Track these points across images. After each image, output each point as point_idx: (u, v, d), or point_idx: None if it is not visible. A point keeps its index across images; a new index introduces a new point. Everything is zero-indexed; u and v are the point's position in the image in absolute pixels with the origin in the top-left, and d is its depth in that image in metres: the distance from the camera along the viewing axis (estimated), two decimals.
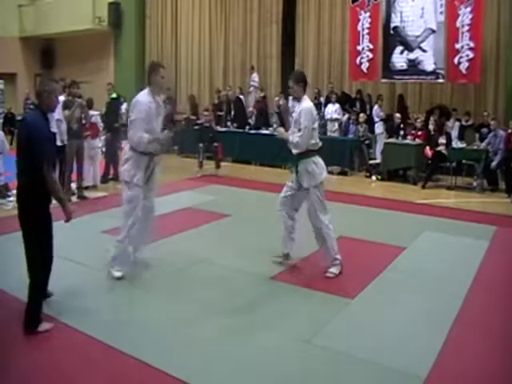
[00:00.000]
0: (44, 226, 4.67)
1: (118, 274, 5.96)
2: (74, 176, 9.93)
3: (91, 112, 10.86)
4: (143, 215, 6.05)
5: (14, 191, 9.90)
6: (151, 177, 6.12)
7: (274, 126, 6.50)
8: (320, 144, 6.25)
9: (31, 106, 4.61)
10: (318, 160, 6.25)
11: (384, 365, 4.18)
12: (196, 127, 14.56)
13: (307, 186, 6.24)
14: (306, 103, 6.11)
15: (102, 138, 12.01)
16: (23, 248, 4.66)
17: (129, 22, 20.97)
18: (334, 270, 6.17)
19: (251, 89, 17.28)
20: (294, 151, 6.14)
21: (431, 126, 12.62)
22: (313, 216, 6.32)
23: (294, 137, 6.08)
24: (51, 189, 4.56)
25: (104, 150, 12.00)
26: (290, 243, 6.59)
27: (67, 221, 4.73)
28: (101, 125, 11.50)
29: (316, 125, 6.13)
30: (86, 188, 10.46)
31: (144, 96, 5.93)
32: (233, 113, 17.01)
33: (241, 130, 15.81)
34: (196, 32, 19.78)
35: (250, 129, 15.87)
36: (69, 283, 5.57)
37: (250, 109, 16.68)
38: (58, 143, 9.82)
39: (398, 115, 13.57)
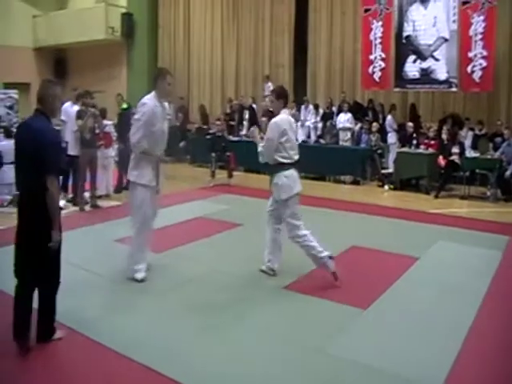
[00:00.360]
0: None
1: (139, 275, 6.03)
2: (87, 185, 9.98)
3: (105, 121, 10.92)
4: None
5: None
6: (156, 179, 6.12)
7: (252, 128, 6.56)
8: (296, 157, 6.18)
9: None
10: (291, 173, 6.14)
11: (398, 374, 4.14)
12: (208, 137, 14.59)
13: (277, 199, 6.19)
14: (278, 117, 6.12)
15: (115, 147, 12.05)
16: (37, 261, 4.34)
17: (141, 32, 21.09)
18: (330, 266, 6.16)
19: (266, 99, 17.23)
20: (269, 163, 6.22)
21: (444, 136, 12.56)
22: (287, 230, 6.27)
23: (260, 145, 6.28)
24: (53, 199, 4.25)
25: (117, 159, 12.03)
26: (278, 257, 6.56)
27: (52, 244, 4.28)
28: (114, 134, 11.55)
29: (285, 139, 6.04)
30: (99, 197, 10.50)
31: (150, 99, 6.02)
32: (245, 123, 17.03)
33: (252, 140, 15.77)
34: (208, 41, 19.86)
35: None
36: (80, 291, 5.56)
37: (264, 119, 16.64)
38: (72, 153, 9.92)
39: (410, 124, 13.54)
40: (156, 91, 6.08)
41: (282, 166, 6.12)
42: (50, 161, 4.23)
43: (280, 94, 6.22)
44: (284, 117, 6.13)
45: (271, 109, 6.49)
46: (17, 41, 22.16)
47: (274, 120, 6.13)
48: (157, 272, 6.48)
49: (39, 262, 4.32)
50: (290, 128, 6.14)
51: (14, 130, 16.47)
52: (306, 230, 6.27)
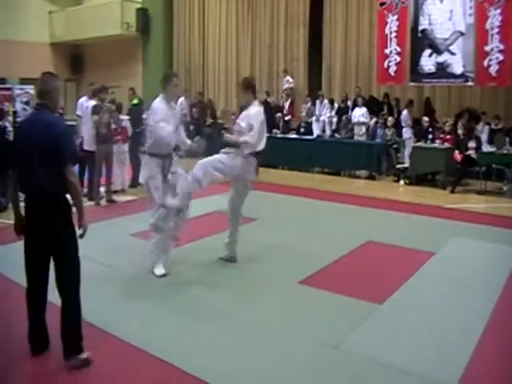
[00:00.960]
0: (75, 234, 4.27)
1: (158, 271, 6.10)
2: (102, 180, 10.03)
3: (121, 117, 10.96)
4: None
5: None
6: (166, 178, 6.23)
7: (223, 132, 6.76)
8: (259, 149, 6.45)
9: (37, 107, 4.68)
10: (254, 161, 6.50)
11: (413, 371, 4.14)
12: (223, 131, 14.57)
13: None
14: (255, 108, 6.39)
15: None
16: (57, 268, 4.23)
17: (156, 28, 21.13)
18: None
19: (285, 92, 17.20)
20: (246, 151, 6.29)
21: (460, 130, 12.48)
22: None
23: (244, 137, 6.25)
24: (76, 192, 4.20)
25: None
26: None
27: (82, 234, 4.25)
28: (130, 130, 11.58)
29: (260, 132, 6.35)
30: (115, 192, 10.55)
31: (159, 103, 6.23)
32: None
33: (268, 134, 15.76)
34: (223, 36, 19.86)
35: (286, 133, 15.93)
36: (96, 286, 5.59)
37: (278, 114, 16.62)
38: (88, 148, 9.97)
39: (425, 119, 13.45)
40: (164, 95, 6.35)
41: (251, 154, 6.37)
42: (68, 151, 4.15)
43: (248, 86, 6.49)
44: (257, 108, 6.39)
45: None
46: (33, 36, 22.30)
47: (253, 110, 6.34)
48: (170, 266, 6.52)
49: (60, 263, 4.20)
50: (263, 120, 6.38)
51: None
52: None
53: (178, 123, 6.46)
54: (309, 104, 16.14)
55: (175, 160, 6.45)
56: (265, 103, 16.76)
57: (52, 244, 4.16)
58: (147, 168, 6.22)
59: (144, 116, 14.13)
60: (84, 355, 4.17)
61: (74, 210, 4.22)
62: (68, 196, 4.20)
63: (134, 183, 11.61)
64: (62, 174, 4.07)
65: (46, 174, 4.05)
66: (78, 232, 4.22)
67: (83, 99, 10.48)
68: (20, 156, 4.18)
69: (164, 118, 6.09)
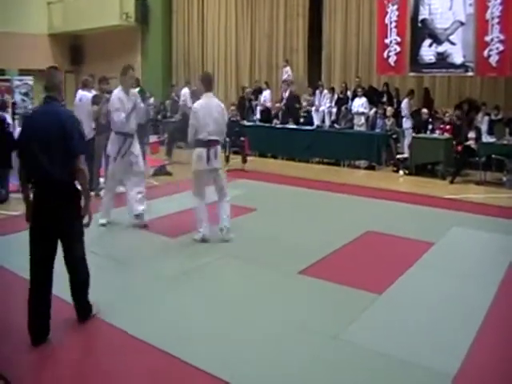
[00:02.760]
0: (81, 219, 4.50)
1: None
2: (101, 171, 10.02)
3: None
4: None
5: None
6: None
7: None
8: (207, 137, 6.86)
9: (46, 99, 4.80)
10: (200, 152, 6.90)
11: (412, 361, 4.15)
12: None
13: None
14: (197, 102, 7.06)
15: None
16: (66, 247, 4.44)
17: (155, 18, 21.07)
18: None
19: (287, 83, 17.15)
20: None
21: (455, 119, 12.46)
22: None
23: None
24: (85, 181, 4.42)
25: None
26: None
27: (88, 223, 4.51)
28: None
29: (198, 122, 6.84)
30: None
31: (117, 93, 7.58)
32: (259, 107, 17.01)
33: (267, 125, 15.81)
34: (222, 26, 19.79)
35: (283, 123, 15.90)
36: (93, 275, 5.59)
37: (278, 104, 16.63)
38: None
39: (425, 111, 13.42)
40: (121, 85, 7.61)
41: (196, 144, 6.95)
42: (78, 142, 4.32)
43: (202, 79, 7.18)
44: (201, 101, 6.92)
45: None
46: (32, 28, 22.22)
47: (193, 107, 7.06)
48: (171, 257, 6.54)
49: (67, 242, 4.41)
50: (206, 111, 6.80)
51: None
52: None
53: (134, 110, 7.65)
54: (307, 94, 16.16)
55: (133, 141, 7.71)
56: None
57: (59, 228, 4.33)
58: (111, 143, 7.67)
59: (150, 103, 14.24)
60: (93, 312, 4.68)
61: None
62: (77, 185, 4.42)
63: None
64: (70, 164, 4.25)
65: (55, 164, 4.20)
66: (85, 220, 4.45)
67: (81, 91, 10.47)
68: (29, 146, 4.30)
69: (119, 106, 7.41)
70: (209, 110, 6.85)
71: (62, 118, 4.32)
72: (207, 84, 7.07)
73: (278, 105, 16.51)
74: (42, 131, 4.26)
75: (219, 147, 7.17)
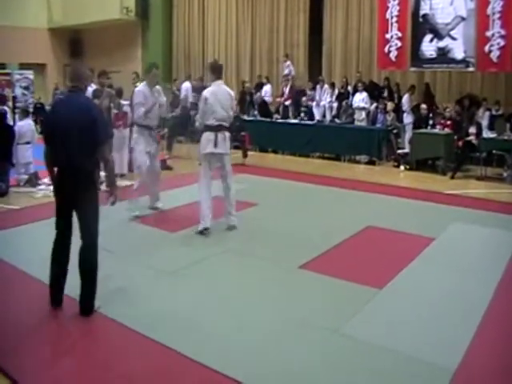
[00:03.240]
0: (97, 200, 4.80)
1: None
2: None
3: (122, 102, 10.91)
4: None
5: (45, 180, 10.09)
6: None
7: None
8: (215, 123, 7.05)
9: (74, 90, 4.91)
10: (208, 135, 7.10)
11: (413, 356, 4.15)
12: None
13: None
14: (206, 89, 7.28)
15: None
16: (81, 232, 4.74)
17: (156, 12, 21.02)
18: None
19: (287, 77, 17.12)
20: None
21: (455, 115, 12.44)
22: None
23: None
24: (111, 167, 4.79)
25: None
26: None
27: (114, 201, 4.89)
28: (130, 115, 11.52)
29: (207, 106, 7.02)
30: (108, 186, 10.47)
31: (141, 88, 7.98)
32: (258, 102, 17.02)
33: (268, 119, 15.80)
34: (223, 21, 19.75)
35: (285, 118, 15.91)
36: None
37: (278, 99, 16.64)
38: None
39: (424, 106, 13.40)
40: (146, 81, 8.05)
41: (205, 129, 7.13)
42: (103, 131, 4.59)
43: (212, 68, 7.38)
44: (211, 88, 7.16)
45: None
46: (32, 22, 22.19)
47: (202, 93, 7.26)
48: (171, 252, 6.54)
49: (87, 225, 4.71)
50: (215, 98, 7.01)
51: (31, 109, 16.66)
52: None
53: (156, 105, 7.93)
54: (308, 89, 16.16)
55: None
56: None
57: (81, 211, 4.68)
58: (135, 135, 8.02)
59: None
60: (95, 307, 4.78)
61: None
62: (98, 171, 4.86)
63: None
64: (94, 152, 4.54)
65: (78, 152, 4.48)
66: (111, 199, 4.87)
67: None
68: (54, 134, 4.59)
69: (141, 101, 7.76)
70: (218, 97, 7.04)
71: (87, 108, 4.60)
72: (217, 72, 7.27)
73: (278, 99, 16.51)
74: (66, 120, 4.50)
75: (228, 133, 7.25)
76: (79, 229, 4.73)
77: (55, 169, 4.76)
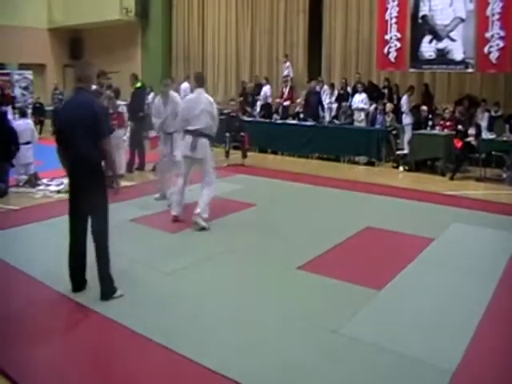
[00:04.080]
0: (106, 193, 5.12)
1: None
2: None
3: (118, 102, 10.92)
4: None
5: (44, 180, 10.10)
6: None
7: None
8: (193, 128, 7.41)
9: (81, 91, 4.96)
10: (187, 139, 7.48)
11: (412, 356, 4.15)
12: (222, 117, 14.56)
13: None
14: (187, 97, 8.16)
15: (128, 127, 11.98)
16: (90, 220, 5.04)
17: (156, 12, 21.06)
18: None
19: (287, 78, 17.13)
20: None
21: (460, 116, 12.45)
22: None
23: None
24: (112, 159, 5.11)
25: (129, 139, 11.96)
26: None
27: (116, 193, 5.30)
28: (126, 115, 11.52)
29: (186, 113, 7.50)
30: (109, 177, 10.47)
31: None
32: (259, 102, 17.03)
33: (267, 120, 15.80)
34: (223, 21, 19.78)
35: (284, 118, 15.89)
36: (93, 269, 5.58)
37: (277, 100, 16.65)
38: None
39: (424, 108, 13.42)
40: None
41: (185, 133, 7.55)
42: (105, 127, 5.06)
43: (195, 77, 7.99)
44: (191, 95, 7.75)
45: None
46: (31, 22, 22.23)
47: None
48: (170, 252, 6.54)
49: (94, 212, 5.04)
50: (193, 105, 7.41)
51: (29, 110, 16.66)
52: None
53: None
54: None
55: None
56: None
57: (89, 199, 4.96)
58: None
59: (149, 99, 14.24)
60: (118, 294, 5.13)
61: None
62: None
63: (131, 168, 11.59)
64: (98, 145, 4.88)
65: (86, 145, 4.85)
66: (114, 191, 5.24)
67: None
68: (64, 130, 5.00)
69: (155, 114, 8.78)
70: (197, 104, 7.40)
71: (90, 105, 4.94)
72: (199, 81, 7.80)
73: (278, 100, 16.53)
74: (72, 117, 4.90)
75: (205, 140, 7.48)
76: (90, 220, 5.05)
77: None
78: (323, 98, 15.88)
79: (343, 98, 15.46)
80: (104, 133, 4.97)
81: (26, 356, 4.11)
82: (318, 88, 15.62)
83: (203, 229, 7.32)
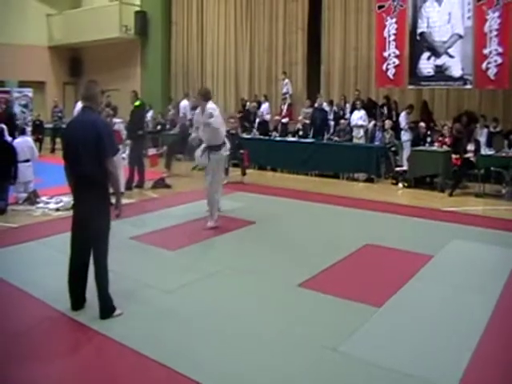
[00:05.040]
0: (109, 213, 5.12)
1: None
2: None
3: (114, 120, 10.95)
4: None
5: (43, 198, 10.11)
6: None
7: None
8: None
9: (84, 109, 4.93)
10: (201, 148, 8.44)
11: (412, 374, 4.12)
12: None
13: None
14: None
15: (126, 144, 11.99)
16: (90, 239, 5.03)
17: (155, 30, 21.17)
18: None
19: (285, 96, 17.21)
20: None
21: (456, 133, 12.49)
22: None
23: None
24: (115, 179, 5.11)
25: (127, 157, 11.97)
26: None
27: (117, 216, 5.15)
28: (124, 132, 11.54)
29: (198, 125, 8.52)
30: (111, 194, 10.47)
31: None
32: (258, 119, 17.06)
33: (267, 137, 15.83)
34: (222, 39, 19.87)
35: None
36: (92, 286, 5.57)
37: (277, 117, 16.68)
38: None
39: (422, 124, 13.45)
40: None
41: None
42: (109, 146, 4.94)
43: (203, 95, 8.44)
44: (197, 111, 8.57)
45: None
46: (32, 39, 22.34)
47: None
48: (170, 270, 6.52)
49: (94, 230, 5.01)
50: (197, 118, 8.46)
51: (29, 128, 16.70)
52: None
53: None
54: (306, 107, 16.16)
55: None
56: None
57: (91, 217, 4.97)
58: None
59: (148, 117, 14.25)
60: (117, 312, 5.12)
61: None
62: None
63: (130, 186, 11.58)
64: (102, 164, 4.88)
65: (90, 164, 4.88)
66: (115, 213, 5.13)
67: (80, 103, 10.50)
68: (69, 149, 5.03)
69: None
70: (203, 117, 8.23)
71: (95, 124, 4.96)
72: (205, 96, 8.41)
73: (277, 117, 16.57)
74: (79, 137, 4.93)
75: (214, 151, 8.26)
76: (90, 238, 5.05)
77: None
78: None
79: (339, 115, 15.49)
80: (107, 153, 4.92)
81: (26, 376, 4.09)
82: (324, 105, 15.68)
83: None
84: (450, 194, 11.63)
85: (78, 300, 5.20)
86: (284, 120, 16.61)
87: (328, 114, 15.82)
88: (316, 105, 15.72)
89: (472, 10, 13.06)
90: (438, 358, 4.38)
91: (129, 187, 11.55)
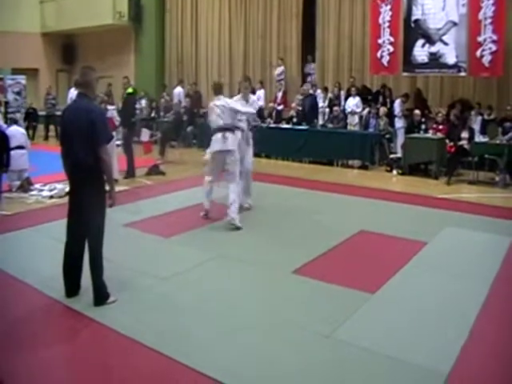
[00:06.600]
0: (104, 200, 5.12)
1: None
2: None
3: (108, 106, 10.90)
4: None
5: (37, 185, 10.07)
6: None
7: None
8: (216, 125, 8.01)
9: (79, 96, 4.86)
10: (216, 136, 8.02)
11: (406, 360, 4.15)
12: None
13: None
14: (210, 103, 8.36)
15: (120, 132, 11.95)
16: (85, 228, 5.04)
17: (149, 17, 21.02)
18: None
19: (281, 82, 17.16)
20: None
21: (453, 118, 12.48)
22: None
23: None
24: (108, 167, 5.05)
25: (122, 145, 11.93)
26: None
27: (111, 206, 5.15)
28: (117, 119, 11.49)
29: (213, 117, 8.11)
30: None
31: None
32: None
33: (258, 124, 15.75)
34: (216, 26, 19.75)
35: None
36: (87, 275, 5.56)
37: (271, 104, 16.66)
38: None
39: (417, 112, 13.43)
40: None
41: (213, 132, 8.05)
42: (102, 134, 4.98)
43: (215, 89, 8.40)
44: (212, 102, 8.20)
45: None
46: (25, 26, 22.17)
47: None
48: (165, 257, 6.53)
49: (90, 218, 5.01)
50: (218, 106, 8.00)
51: (22, 115, 16.60)
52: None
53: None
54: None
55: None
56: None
57: (86, 204, 4.97)
58: None
59: (143, 104, 14.16)
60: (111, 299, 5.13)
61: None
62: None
63: (129, 174, 11.52)
64: (96, 152, 4.88)
65: (84, 151, 4.88)
66: (109, 202, 5.13)
67: (73, 89, 10.44)
68: (64, 135, 5.12)
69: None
70: (219, 107, 8.00)
71: (91, 113, 4.93)
72: (218, 90, 8.32)
73: (271, 104, 16.53)
74: (73, 124, 4.96)
75: (230, 133, 7.92)
76: (86, 224, 5.04)
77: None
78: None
79: (334, 102, 15.45)
80: (100, 141, 4.91)
81: (20, 363, 4.09)
82: (311, 91, 15.60)
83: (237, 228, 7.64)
84: (448, 183, 11.54)
85: (72, 287, 5.21)
86: (279, 107, 16.57)
87: (318, 100, 15.76)
88: (301, 91, 15.67)
89: None
90: (431, 345, 4.41)
91: (131, 174, 11.43)
